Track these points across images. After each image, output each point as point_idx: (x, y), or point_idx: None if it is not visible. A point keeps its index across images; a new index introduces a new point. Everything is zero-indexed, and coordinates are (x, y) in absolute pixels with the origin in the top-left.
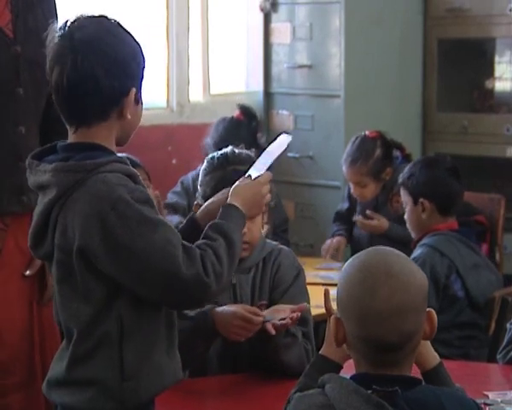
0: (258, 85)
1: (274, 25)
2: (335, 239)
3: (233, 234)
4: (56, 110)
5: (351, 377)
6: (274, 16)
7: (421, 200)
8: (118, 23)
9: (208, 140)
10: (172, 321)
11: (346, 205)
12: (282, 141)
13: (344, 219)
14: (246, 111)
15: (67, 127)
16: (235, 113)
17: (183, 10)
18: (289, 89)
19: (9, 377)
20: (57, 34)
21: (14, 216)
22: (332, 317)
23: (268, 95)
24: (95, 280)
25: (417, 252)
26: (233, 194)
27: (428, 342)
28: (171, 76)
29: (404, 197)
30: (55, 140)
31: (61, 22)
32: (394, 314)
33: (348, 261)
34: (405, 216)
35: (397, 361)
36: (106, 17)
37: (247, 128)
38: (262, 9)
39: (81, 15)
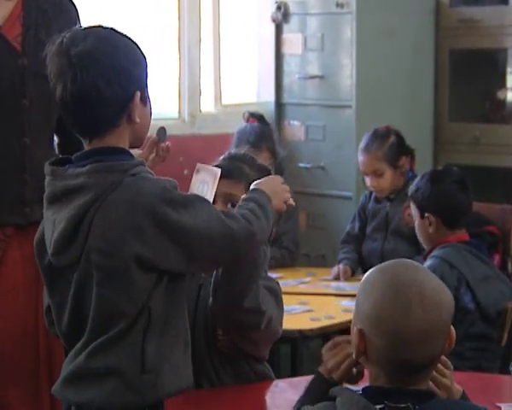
0: (269, 96)
1: (285, 35)
2: (341, 267)
3: (264, 203)
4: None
5: (363, 389)
6: (285, 27)
7: (426, 214)
8: (113, 30)
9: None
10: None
11: (357, 225)
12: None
13: (353, 242)
14: (259, 118)
15: (82, 139)
16: (250, 120)
17: (194, 21)
18: (301, 99)
19: (10, 389)
20: (54, 51)
21: (17, 227)
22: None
23: (279, 105)
24: (142, 276)
25: (427, 264)
26: (255, 184)
27: (451, 374)
28: (183, 87)
29: (413, 210)
30: (72, 149)
31: (56, 41)
32: (427, 337)
33: (371, 274)
34: (416, 229)
35: (418, 380)
36: (101, 26)
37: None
38: (273, 20)
39: (75, 29)
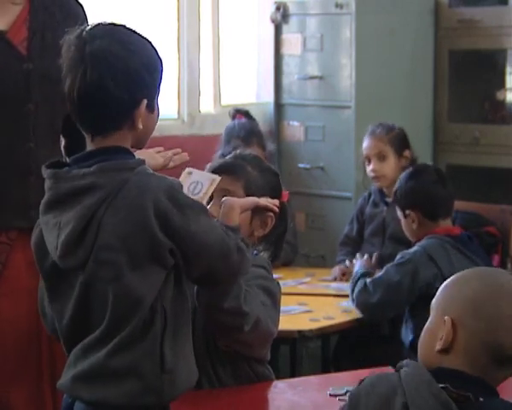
0: (269, 96)
1: (285, 36)
2: (342, 268)
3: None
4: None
5: (431, 371)
6: (285, 27)
7: (407, 211)
8: (133, 31)
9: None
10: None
11: (355, 227)
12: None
13: (351, 245)
14: (245, 114)
15: (85, 135)
16: (237, 117)
17: (193, 22)
18: (300, 100)
19: (13, 390)
20: (72, 41)
21: (21, 231)
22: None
23: (279, 106)
24: (157, 268)
25: (410, 250)
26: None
27: None
28: (182, 87)
29: (398, 212)
30: (79, 151)
31: (76, 32)
32: None
33: (463, 272)
34: (403, 229)
35: (497, 378)
36: (123, 26)
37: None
38: (273, 21)
39: (97, 24)
